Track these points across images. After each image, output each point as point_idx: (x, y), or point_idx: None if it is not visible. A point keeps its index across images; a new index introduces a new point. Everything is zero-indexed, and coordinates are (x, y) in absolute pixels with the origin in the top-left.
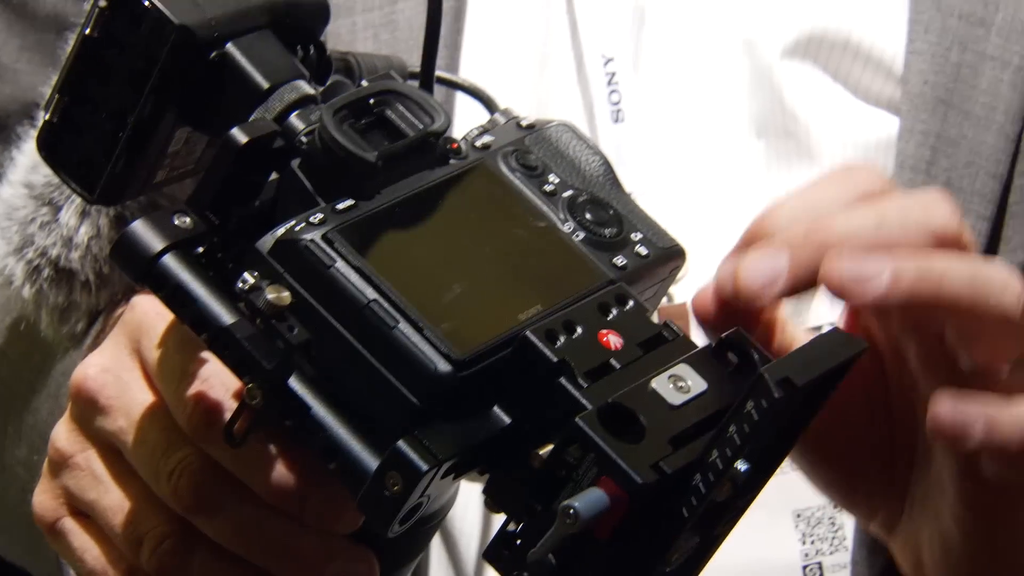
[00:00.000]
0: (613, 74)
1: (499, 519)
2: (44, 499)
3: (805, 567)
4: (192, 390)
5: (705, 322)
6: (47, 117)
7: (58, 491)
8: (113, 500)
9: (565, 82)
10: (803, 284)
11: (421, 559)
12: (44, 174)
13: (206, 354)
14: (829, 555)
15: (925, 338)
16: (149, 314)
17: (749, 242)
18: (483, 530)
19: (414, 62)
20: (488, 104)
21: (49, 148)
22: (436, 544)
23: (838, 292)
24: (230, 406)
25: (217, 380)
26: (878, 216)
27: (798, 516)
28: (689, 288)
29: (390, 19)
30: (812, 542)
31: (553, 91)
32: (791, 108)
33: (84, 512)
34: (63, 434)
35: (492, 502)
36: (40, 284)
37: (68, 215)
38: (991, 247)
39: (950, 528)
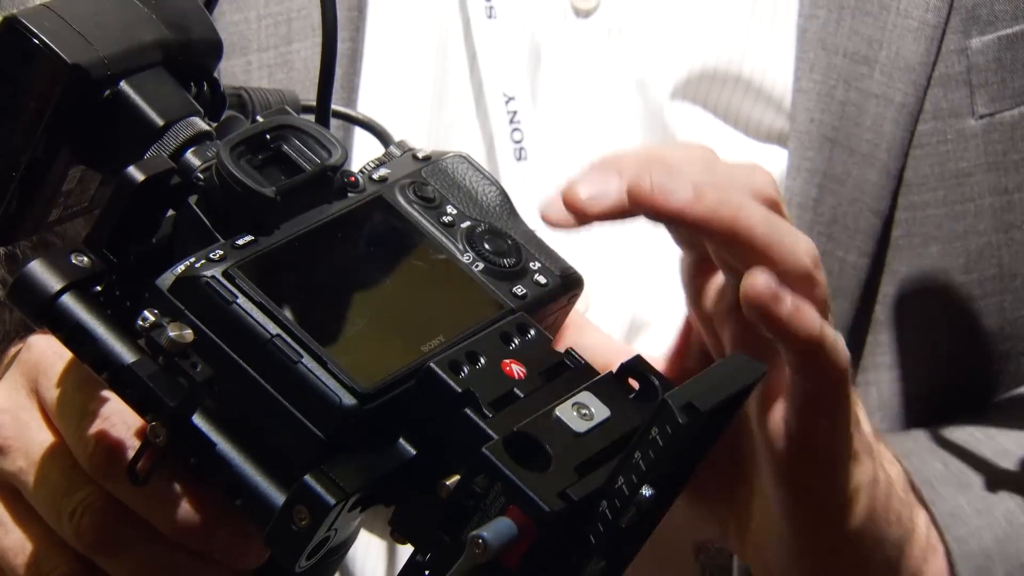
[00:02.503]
0: (515, 112)
1: (403, 554)
2: None
3: None
4: (93, 429)
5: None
6: None
7: None
8: (13, 541)
9: (464, 119)
10: (626, 204)
11: None
12: None
13: (106, 393)
14: None
15: (740, 326)
16: (46, 353)
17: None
18: (387, 566)
19: (309, 99)
20: (383, 138)
21: None
22: None
23: (641, 202)
24: (132, 444)
25: (118, 418)
26: (707, 165)
27: (699, 549)
28: (596, 319)
29: (285, 59)
30: (711, 573)
31: (452, 129)
32: None
33: None
34: None
35: (399, 533)
36: None
37: None
38: (872, 280)
39: (777, 518)
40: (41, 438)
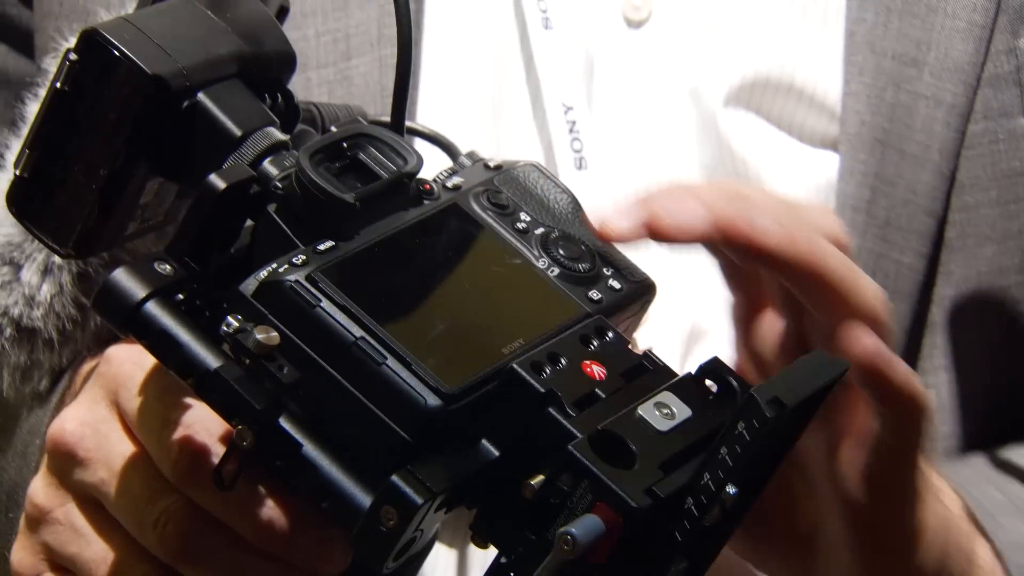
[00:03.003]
0: (574, 122)
1: (474, 562)
2: (23, 555)
3: None
4: (176, 436)
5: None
6: (17, 172)
7: (37, 547)
8: (95, 552)
9: (522, 130)
10: (711, 233)
11: None
12: (3, 233)
13: (187, 401)
14: None
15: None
16: (125, 365)
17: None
18: (457, 574)
19: (369, 112)
20: (451, 152)
21: (20, 203)
22: None
23: (736, 236)
24: (216, 451)
25: (200, 426)
26: (787, 205)
27: None
28: (655, 327)
29: (345, 75)
30: None
31: (511, 139)
32: (740, 154)
33: (65, 567)
34: (40, 489)
35: (481, 536)
36: (1, 343)
37: (30, 274)
38: (928, 282)
39: (848, 563)
40: (122, 449)
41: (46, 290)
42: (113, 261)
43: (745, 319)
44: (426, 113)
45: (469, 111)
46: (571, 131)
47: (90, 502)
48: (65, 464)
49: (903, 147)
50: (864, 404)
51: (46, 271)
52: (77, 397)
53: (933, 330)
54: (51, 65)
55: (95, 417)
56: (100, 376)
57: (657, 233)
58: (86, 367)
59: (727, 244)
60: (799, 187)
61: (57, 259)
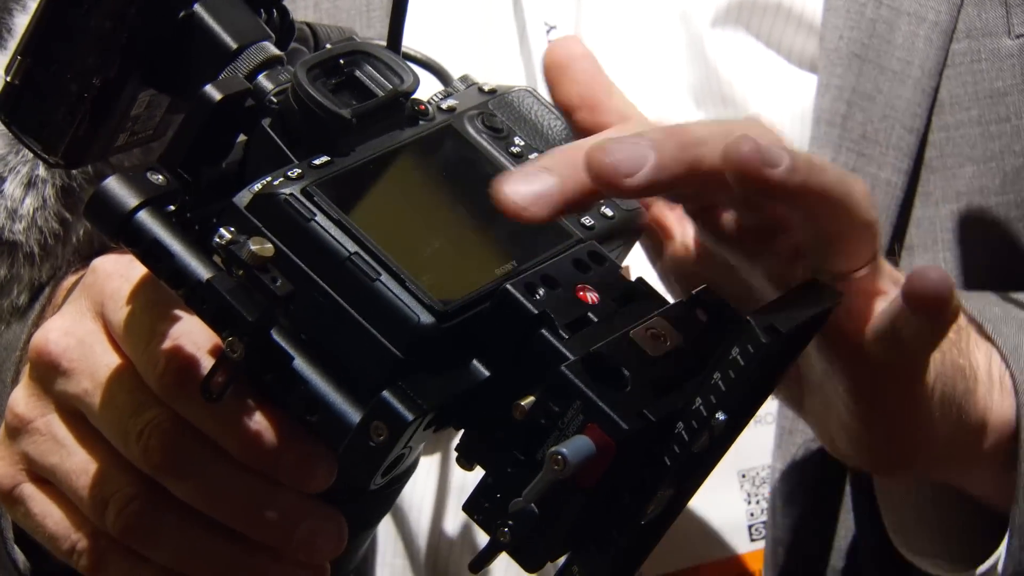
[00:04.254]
0: None
1: (455, 491)
2: (1, 466)
3: (750, 526)
4: (163, 348)
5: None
6: (8, 79)
7: (16, 457)
8: (76, 463)
9: (508, 51)
10: (667, 175)
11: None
12: None
13: (175, 313)
14: None
15: (771, 257)
16: (112, 277)
17: (558, 164)
18: (436, 502)
19: (357, 32)
20: (442, 76)
21: (9, 110)
22: (385, 519)
23: (748, 173)
24: (203, 363)
25: (188, 338)
26: (726, 129)
27: (743, 476)
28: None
29: None
30: (757, 501)
31: (497, 60)
32: (727, 76)
33: (44, 478)
34: (22, 399)
35: (467, 457)
36: None
37: (12, 186)
38: (907, 200)
39: (847, 417)
40: (107, 360)
41: (29, 203)
42: (98, 175)
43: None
44: (412, 35)
45: (456, 35)
46: None
47: (72, 413)
48: (48, 374)
49: (882, 63)
50: (864, 292)
51: (29, 184)
52: (61, 308)
53: (911, 252)
54: None
55: (80, 328)
56: (86, 287)
57: (602, 177)
58: (67, 281)
59: (739, 182)
60: (784, 110)
61: (41, 172)
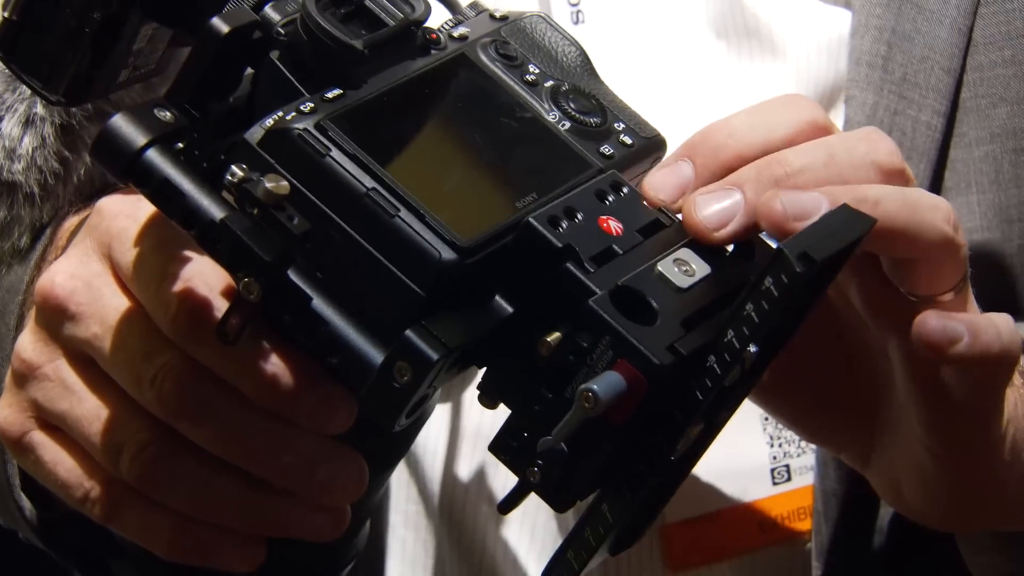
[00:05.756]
0: None
1: (469, 435)
2: (9, 413)
3: (773, 469)
4: (175, 290)
5: None
6: (6, 15)
7: (24, 404)
8: (87, 409)
9: None
10: (755, 225)
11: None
12: None
13: (186, 254)
14: (796, 457)
15: (865, 280)
16: (119, 218)
17: (690, 156)
18: (448, 446)
19: None
20: (450, 4)
21: (8, 47)
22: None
23: (779, 230)
24: (217, 305)
25: (200, 279)
26: (827, 152)
27: (766, 419)
28: None
29: None
30: (780, 445)
31: None
32: (751, 8)
33: (54, 424)
34: (29, 345)
35: (490, 395)
36: None
37: (10, 125)
38: (945, 143)
39: (922, 457)
40: (117, 303)
41: (27, 142)
42: (98, 112)
43: None
44: None
45: None
46: None
47: (82, 358)
48: (55, 319)
49: (920, 2)
50: None
51: (28, 123)
52: (66, 251)
53: (947, 195)
54: None
55: (87, 271)
56: (91, 229)
57: (705, 240)
58: (69, 222)
59: (767, 231)
60: (812, 42)
61: (40, 110)
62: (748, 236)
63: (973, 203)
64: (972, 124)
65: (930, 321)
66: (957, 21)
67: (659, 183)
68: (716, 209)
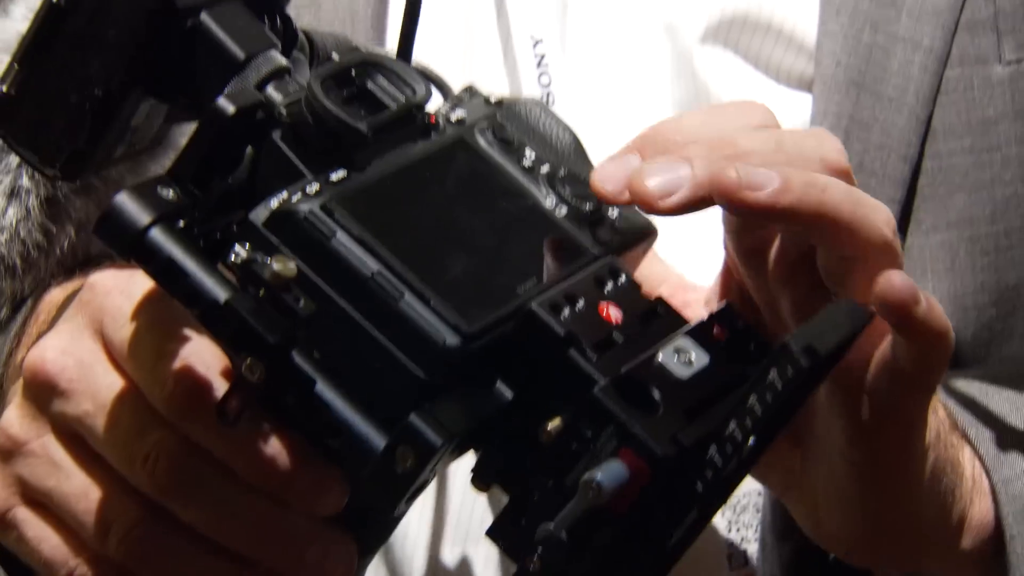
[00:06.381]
0: (543, 56)
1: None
2: None
3: (730, 555)
4: (173, 367)
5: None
6: (3, 89)
7: (9, 480)
8: (75, 486)
9: (492, 64)
10: (702, 196)
11: None
12: None
13: (182, 332)
14: (753, 542)
15: (800, 286)
16: (112, 293)
17: (639, 149)
18: (432, 531)
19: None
20: (442, 88)
21: (5, 121)
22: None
23: (730, 198)
24: (215, 383)
25: (197, 358)
26: (776, 140)
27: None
28: None
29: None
30: (737, 530)
31: (480, 73)
32: (715, 93)
33: (40, 501)
34: (15, 420)
35: (485, 480)
36: None
37: None
38: (902, 228)
39: (841, 474)
40: (109, 380)
41: (12, 214)
42: (83, 186)
43: (741, 235)
44: (395, 42)
45: (440, 45)
46: (539, 65)
47: (71, 435)
48: (44, 395)
49: (879, 90)
50: (880, 330)
51: (12, 194)
52: (56, 326)
53: None
54: None
55: (78, 347)
56: (83, 305)
57: (650, 208)
58: (52, 295)
59: (719, 204)
60: None
61: (25, 182)
62: (694, 209)
63: (929, 290)
64: (929, 211)
65: (896, 279)
66: (915, 109)
67: (607, 175)
68: (664, 179)
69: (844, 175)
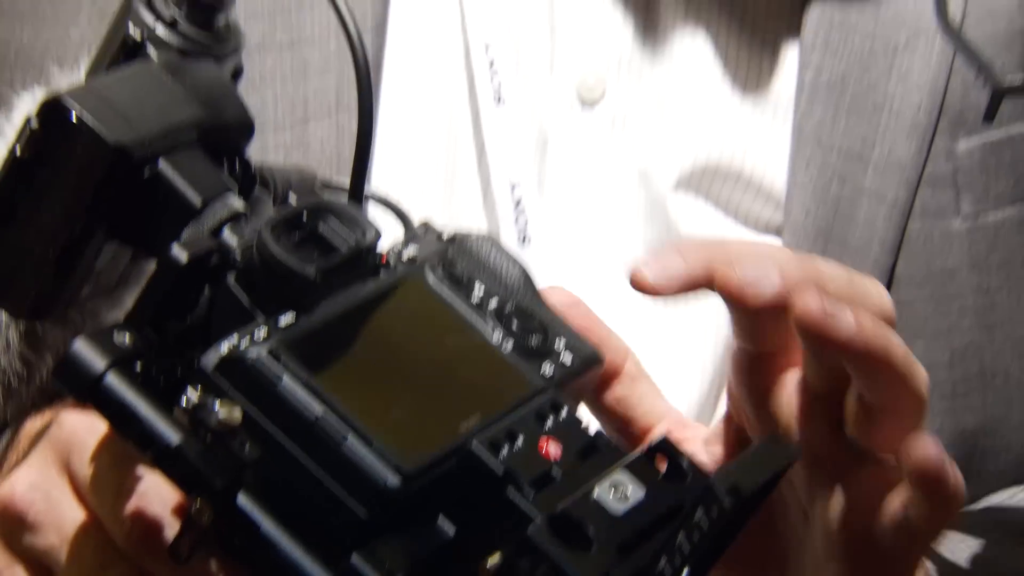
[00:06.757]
0: (520, 199)
1: None
2: None
3: None
4: (130, 507)
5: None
6: None
7: None
8: None
9: (472, 205)
10: (785, 298)
11: None
12: None
13: (141, 469)
14: None
15: (816, 425)
16: (78, 430)
17: (679, 250)
18: None
19: (327, 178)
20: (404, 220)
21: None
22: None
23: (810, 320)
24: (170, 522)
25: (155, 495)
26: (849, 274)
27: None
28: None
29: (302, 139)
30: None
31: (461, 214)
32: (686, 237)
33: None
34: None
35: None
36: None
37: None
38: None
39: None
40: (73, 515)
41: None
42: (61, 317)
43: (750, 370)
44: (380, 183)
45: (422, 182)
46: (516, 207)
47: (39, 567)
48: (15, 527)
49: (845, 239)
50: (883, 480)
51: None
52: (28, 459)
53: None
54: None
55: (46, 481)
56: (52, 440)
57: (724, 288)
58: (31, 424)
59: (804, 339)
60: None
61: (4, 316)
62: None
63: None
64: None
65: (931, 447)
66: (880, 259)
67: (651, 268)
68: (754, 274)
69: (894, 327)
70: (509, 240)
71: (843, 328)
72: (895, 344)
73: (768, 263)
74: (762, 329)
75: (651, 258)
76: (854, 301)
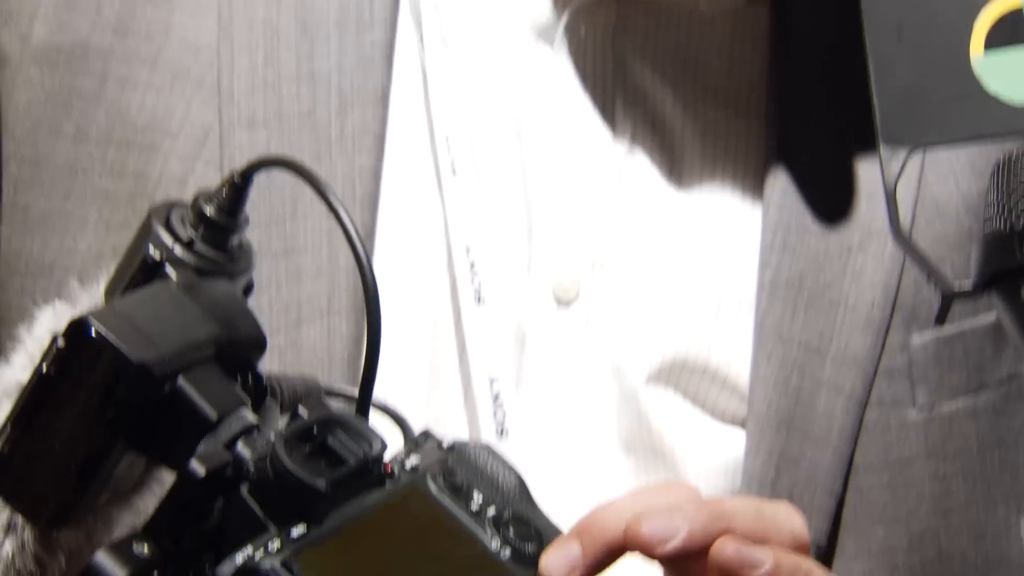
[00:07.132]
0: (499, 393)
1: None
2: None
3: None
4: None
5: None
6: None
7: None
8: None
9: (453, 399)
10: (696, 545)
11: None
12: None
13: None
14: None
15: None
16: None
17: (579, 535)
18: None
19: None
20: (404, 427)
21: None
22: None
23: (729, 562)
24: None
25: None
26: (756, 509)
27: None
28: None
29: (295, 342)
30: None
31: (442, 407)
32: (657, 429)
33: None
34: None
35: None
36: None
37: None
38: (827, 559)
39: None
40: None
41: (8, 547)
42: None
43: None
44: None
45: (406, 376)
46: (495, 401)
47: None
48: None
49: (806, 429)
50: None
51: (9, 528)
52: None
53: None
54: (22, 331)
55: None
56: None
57: (635, 545)
58: None
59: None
60: (710, 462)
61: (19, 518)
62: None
63: None
64: (852, 541)
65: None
66: (839, 448)
67: (551, 564)
68: (660, 526)
69: (805, 550)
70: (488, 433)
71: (760, 571)
72: (806, 571)
73: (675, 515)
74: (685, 567)
75: (551, 552)
76: (767, 534)
